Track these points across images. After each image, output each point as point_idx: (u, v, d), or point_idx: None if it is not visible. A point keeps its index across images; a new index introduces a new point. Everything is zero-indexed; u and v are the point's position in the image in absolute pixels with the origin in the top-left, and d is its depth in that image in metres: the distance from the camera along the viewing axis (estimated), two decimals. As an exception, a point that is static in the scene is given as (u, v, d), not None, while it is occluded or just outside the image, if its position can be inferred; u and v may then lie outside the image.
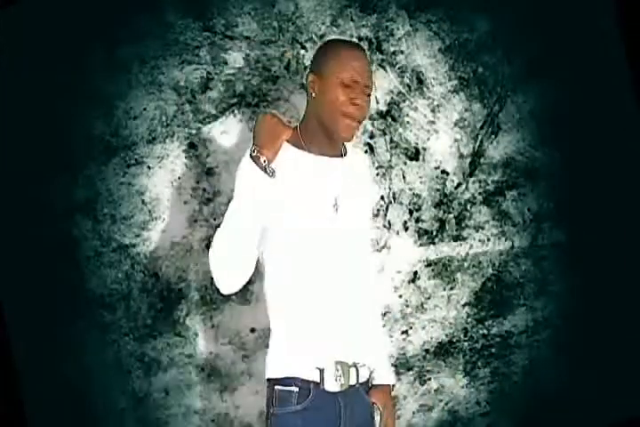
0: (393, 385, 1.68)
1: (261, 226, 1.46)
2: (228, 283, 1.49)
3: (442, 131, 2.13)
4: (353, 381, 1.51)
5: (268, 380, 1.52)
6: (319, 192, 1.51)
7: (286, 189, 1.47)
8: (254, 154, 1.44)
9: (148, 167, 1.96)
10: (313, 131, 1.54)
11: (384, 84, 2.08)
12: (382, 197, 2.10)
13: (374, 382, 1.63)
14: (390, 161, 2.10)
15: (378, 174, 2.09)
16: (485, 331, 2.18)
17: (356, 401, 1.53)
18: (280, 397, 1.47)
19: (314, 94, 1.52)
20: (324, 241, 1.50)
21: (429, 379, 2.15)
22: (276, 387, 1.48)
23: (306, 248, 1.49)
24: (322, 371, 1.47)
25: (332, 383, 1.47)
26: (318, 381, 1.47)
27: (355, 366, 1.52)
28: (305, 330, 1.50)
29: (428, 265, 2.14)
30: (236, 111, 2.00)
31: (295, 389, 1.46)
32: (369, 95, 1.52)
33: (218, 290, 1.98)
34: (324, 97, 1.50)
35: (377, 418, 1.60)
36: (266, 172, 1.42)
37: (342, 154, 1.60)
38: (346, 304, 1.53)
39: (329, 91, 1.49)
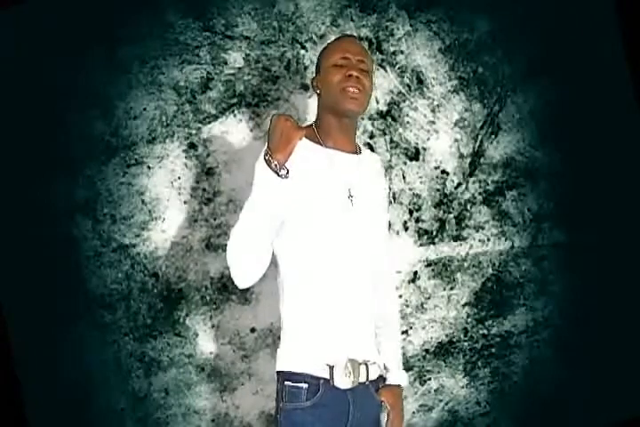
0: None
1: (278, 221, 1.48)
2: (244, 277, 1.50)
3: (442, 131, 2.13)
4: (362, 378, 1.52)
5: (278, 373, 1.53)
6: (333, 184, 1.54)
7: (301, 181, 1.49)
8: (267, 157, 1.45)
9: (148, 167, 1.96)
10: (327, 126, 1.59)
11: (384, 84, 2.08)
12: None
13: (386, 382, 1.63)
14: (390, 161, 2.10)
15: (378, 174, 2.09)
16: (485, 331, 2.18)
17: (365, 399, 1.54)
18: (290, 392, 1.49)
19: (318, 91, 1.60)
20: (339, 233, 1.52)
21: (429, 379, 2.15)
22: (286, 383, 1.50)
23: (321, 241, 1.51)
24: (332, 368, 1.49)
25: (341, 380, 1.49)
26: (328, 377, 1.48)
27: (365, 363, 1.53)
28: (317, 326, 1.51)
29: (428, 265, 2.14)
30: (235, 111, 2.00)
31: (305, 385, 1.48)
32: (366, 70, 1.57)
33: (218, 290, 2.01)
34: (325, 85, 1.57)
35: (384, 417, 1.60)
36: (278, 175, 1.44)
37: (357, 152, 1.64)
38: (359, 301, 1.55)
39: (326, 78, 1.57)
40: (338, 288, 1.52)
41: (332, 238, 1.52)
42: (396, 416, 1.63)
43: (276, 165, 1.44)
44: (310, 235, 1.50)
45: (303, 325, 1.53)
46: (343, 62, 1.56)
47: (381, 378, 1.62)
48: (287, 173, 1.45)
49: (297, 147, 1.49)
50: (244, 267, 1.47)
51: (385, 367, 1.64)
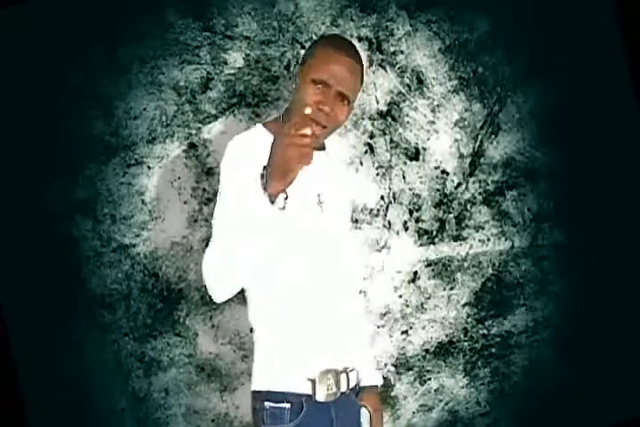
0: (392, 387, 1.67)
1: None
2: (222, 293, 1.40)
3: (442, 131, 2.13)
4: (344, 388, 1.46)
5: (255, 393, 1.45)
6: (303, 190, 1.38)
7: None
8: (263, 182, 1.22)
9: (148, 167, 1.96)
10: None
11: (384, 84, 2.08)
12: (382, 197, 2.10)
13: (361, 384, 1.58)
14: (390, 161, 2.10)
15: (378, 174, 2.09)
16: (485, 331, 2.18)
17: (347, 408, 1.49)
18: (271, 414, 1.41)
19: (295, 86, 1.49)
20: (309, 242, 1.44)
21: (429, 379, 2.15)
22: (267, 403, 1.41)
23: (290, 250, 1.41)
24: (313, 382, 1.41)
25: (324, 393, 1.41)
26: (310, 393, 1.41)
27: (345, 371, 1.47)
28: (293, 340, 1.44)
29: (428, 265, 2.14)
30: (235, 111, 2.00)
31: (287, 405, 1.40)
32: (346, 102, 1.42)
33: (218, 290, 2.00)
34: (298, 92, 1.43)
35: (365, 421, 1.57)
36: (272, 203, 1.23)
37: (323, 147, 1.55)
38: (333, 308, 1.48)
39: (301, 87, 1.42)
40: (311, 300, 1.44)
41: (300, 246, 1.42)
42: (378, 418, 1.60)
43: (271, 195, 1.22)
44: (279, 245, 1.36)
45: (278, 340, 1.45)
46: (322, 87, 1.39)
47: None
48: (284, 205, 1.23)
49: (263, 146, 1.32)
50: (225, 278, 1.35)
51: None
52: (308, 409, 1.41)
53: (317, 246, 1.46)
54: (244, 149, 1.41)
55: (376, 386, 1.63)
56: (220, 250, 1.33)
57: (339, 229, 1.54)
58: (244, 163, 1.36)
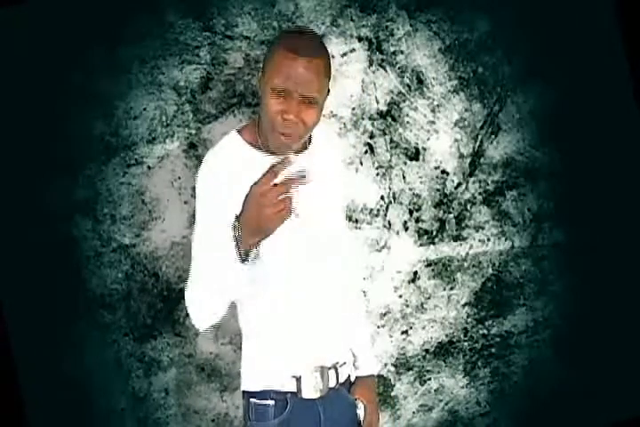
0: (392, 387, 1.66)
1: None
2: (204, 324, 1.41)
3: (442, 131, 2.13)
4: (332, 383, 1.46)
5: (243, 392, 1.47)
6: None
7: (239, 202, 1.27)
8: (236, 234, 1.22)
9: (148, 167, 1.96)
10: (267, 133, 1.40)
11: (384, 84, 2.08)
12: (382, 197, 2.10)
13: (357, 375, 1.58)
14: (390, 161, 2.10)
15: (378, 174, 2.09)
16: (485, 331, 2.18)
17: (337, 403, 1.48)
18: (256, 410, 1.42)
19: (260, 93, 1.40)
20: (287, 249, 1.41)
21: (429, 379, 2.15)
22: (252, 400, 1.42)
23: (269, 257, 1.39)
24: (298, 379, 1.41)
25: (310, 390, 1.41)
26: (295, 390, 1.41)
27: (334, 367, 1.46)
28: (277, 340, 1.44)
29: (428, 265, 2.14)
30: (235, 111, 2.00)
31: (271, 402, 1.40)
32: (311, 102, 1.32)
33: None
34: (262, 101, 1.37)
35: (361, 414, 1.56)
36: (243, 261, 1.25)
37: (305, 146, 1.49)
38: (318, 307, 1.47)
39: (263, 97, 1.36)
40: (294, 300, 1.43)
41: (278, 253, 1.40)
42: (374, 410, 1.58)
43: (243, 250, 1.23)
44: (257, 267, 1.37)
45: (263, 340, 1.45)
46: (283, 95, 1.31)
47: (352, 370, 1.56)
48: (256, 256, 1.25)
49: (237, 154, 1.32)
50: (209, 309, 1.37)
51: (353, 355, 1.57)
52: (293, 406, 1.41)
53: (295, 251, 1.44)
54: (221, 170, 1.38)
55: (372, 375, 1.61)
56: (197, 289, 1.36)
57: (318, 231, 1.50)
58: (219, 187, 1.35)
